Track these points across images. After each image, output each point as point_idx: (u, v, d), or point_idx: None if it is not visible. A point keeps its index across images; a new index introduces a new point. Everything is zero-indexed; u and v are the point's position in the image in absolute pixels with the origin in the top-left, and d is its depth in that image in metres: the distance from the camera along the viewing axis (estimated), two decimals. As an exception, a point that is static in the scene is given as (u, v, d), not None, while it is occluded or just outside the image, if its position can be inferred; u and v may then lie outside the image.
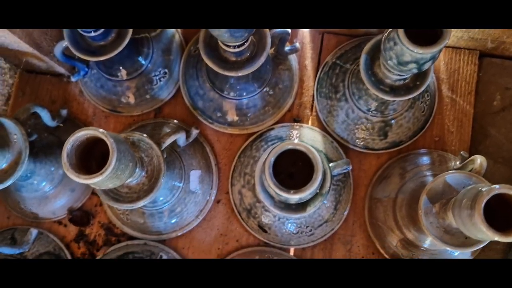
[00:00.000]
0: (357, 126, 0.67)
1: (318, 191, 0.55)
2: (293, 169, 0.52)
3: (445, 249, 0.63)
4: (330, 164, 0.56)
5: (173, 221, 0.68)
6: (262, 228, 0.67)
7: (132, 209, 0.67)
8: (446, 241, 0.53)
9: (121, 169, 0.47)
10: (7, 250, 0.63)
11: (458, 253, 0.64)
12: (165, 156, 0.58)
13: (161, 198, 0.65)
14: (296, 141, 0.60)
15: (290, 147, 0.45)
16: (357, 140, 0.68)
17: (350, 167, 0.57)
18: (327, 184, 0.55)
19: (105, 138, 0.45)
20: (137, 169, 0.56)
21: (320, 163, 0.44)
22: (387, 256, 0.66)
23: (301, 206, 0.56)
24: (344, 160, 0.57)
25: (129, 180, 0.56)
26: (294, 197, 0.44)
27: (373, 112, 0.65)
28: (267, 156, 0.45)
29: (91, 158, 0.49)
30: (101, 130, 0.46)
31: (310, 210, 0.55)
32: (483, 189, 0.44)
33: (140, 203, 0.57)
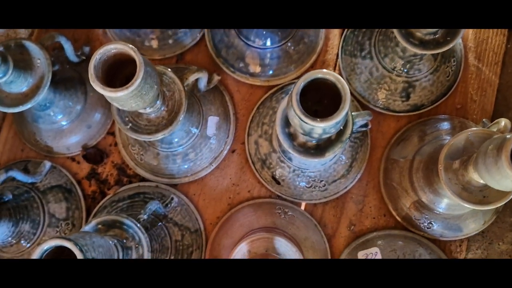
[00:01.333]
0: (380, 86, 0.67)
1: (338, 137, 0.54)
2: (318, 107, 0.51)
3: (458, 214, 0.62)
4: (353, 113, 0.55)
5: (186, 166, 0.67)
6: (275, 179, 0.66)
7: (147, 150, 0.66)
8: (464, 197, 0.52)
9: (146, 89, 0.47)
10: (20, 176, 0.62)
11: (469, 221, 0.63)
12: (187, 92, 0.57)
13: (176, 140, 0.65)
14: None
15: (319, 75, 0.44)
16: (378, 101, 0.67)
17: (371, 118, 0.57)
18: (348, 131, 0.54)
19: (133, 53, 0.44)
20: (158, 101, 0.55)
21: (348, 93, 0.44)
22: (398, 218, 0.65)
23: (319, 151, 0.55)
24: (367, 111, 0.56)
25: (149, 111, 0.56)
26: (319, 126, 0.43)
27: (398, 71, 0.64)
28: (295, 84, 0.45)
29: (116, 79, 0.49)
30: (130, 45, 0.45)
31: (329, 156, 0.54)
32: (510, 136, 0.44)
33: (158, 135, 0.56)
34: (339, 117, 0.43)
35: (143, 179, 0.69)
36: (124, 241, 0.54)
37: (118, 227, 0.55)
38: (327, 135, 0.48)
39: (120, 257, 0.51)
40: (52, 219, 0.66)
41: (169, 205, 0.65)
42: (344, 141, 0.54)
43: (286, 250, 0.55)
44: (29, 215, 0.64)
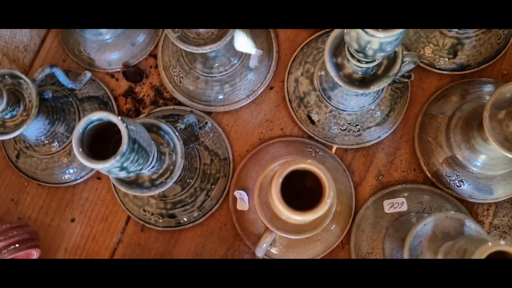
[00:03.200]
0: (428, 40, 0.66)
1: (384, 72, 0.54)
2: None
3: (491, 174, 0.62)
4: (403, 52, 0.55)
5: (222, 95, 0.68)
6: (310, 119, 0.66)
7: (187, 73, 0.67)
8: (506, 147, 0.52)
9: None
10: (62, 77, 0.62)
11: (501, 184, 0.63)
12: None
13: (217, 64, 0.65)
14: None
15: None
16: (424, 56, 0.67)
17: (418, 62, 0.56)
18: (396, 67, 0.54)
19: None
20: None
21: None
22: (428, 174, 0.65)
23: (364, 84, 0.55)
24: (416, 53, 0.56)
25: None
26: (378, 36, 0.43)
27: (450, 25, 0.64)
28: None
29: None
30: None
31: (373, 88, 0.54)
32: None
33: (206, 49, 0.56)
34: (399, 31, 0.43)
35: (179, 103, 0.70)
36: (160, 146, 0.55)
37: (155, 132, 0.55)
38: (381, 54, 0.47)
39: (155, 157, 0.51)
40: (86, 127, 0.66)
41: (202, 128, 0.66)
42: (390, 76, 0.54)
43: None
44: (65, 118, 0.65)
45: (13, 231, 0.48)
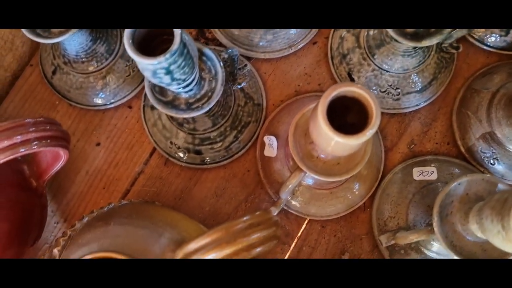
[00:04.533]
0: (482, 14, 0.65)
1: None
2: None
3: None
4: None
5: (264, 42, 0.67)
6: (350, 76, 0.65)
7: (233, 13, 0.66)
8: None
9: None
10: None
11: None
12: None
13: (267, 9, 0.64)
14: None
15: None
16: (475, 30, 0.66)
17: (470, 32, 0.55)
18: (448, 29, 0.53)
19: None
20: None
21: None
22: (462, 149, 0.63)
23: (416, 38, 0.54)
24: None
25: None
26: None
27: None
28: None
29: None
30: None
31: (425, 43, 0.53)
32: None
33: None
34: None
35: (220, 45, 0.69)
36: (201, 72, 0.54)
37: (198, 57, 0.54)
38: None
39: (196, 79, 0.51)
40: (125, 53, 0.66)
41: (241, 70, 0.65)
42: (443, 34, 0.53)
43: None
44: (107, 39, 0.64)
45: (46, 125, 0.48)
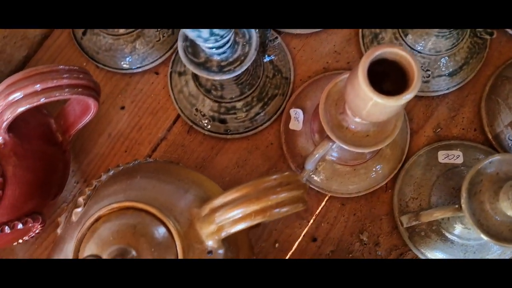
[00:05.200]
0: (518, 2, 0.64)
1: None
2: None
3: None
4: None
5: (297, 18, 0.67)
6: (381, 56, 0.65)
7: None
8: None
9: None
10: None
11: None
12: None
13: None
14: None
15: None
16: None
17: None
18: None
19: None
20: None
21: None
22: (489, 135, 0.63)
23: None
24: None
25: None
26: None
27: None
28: None
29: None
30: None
31: (464, 21, 0.52)
32: None
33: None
34: None
35: (251, 17, 0.69)
36: (236, 36, 0.54)
37: (233, 20, 0.54)
38: None
39: (230, 41, 0.50)
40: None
41: (272, 42, 0.65)
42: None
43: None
44: (140, 1, 0.64)
45: (80, 74, 0.48)
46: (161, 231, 0.43)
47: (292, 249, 0.63)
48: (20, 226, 0.52)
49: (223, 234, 0.43)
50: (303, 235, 0.63)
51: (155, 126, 0.67)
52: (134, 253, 0.41)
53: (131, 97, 0.68)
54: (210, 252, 0.44)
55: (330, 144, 0.54)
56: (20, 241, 0.58)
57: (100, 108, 0.67)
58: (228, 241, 0.47)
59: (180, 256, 0.42)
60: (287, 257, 0.63)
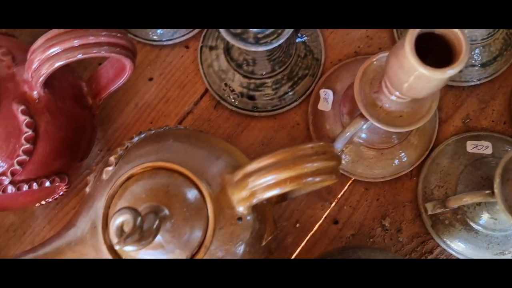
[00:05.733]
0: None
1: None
2: None
3: None
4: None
5: (331, 0, 0.66)
6: (414, 43, 0.64)
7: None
8: None
9: None
10: None
11: None
12: None
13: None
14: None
15: None
16: (546, 13, 0.64)
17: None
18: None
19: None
20: None
21: None
22: (518, 130, 0.62)
23: None
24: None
25: None
26: None
27: None
28: None
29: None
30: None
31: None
32: None
33: None
34: None
35: None
36: (272, 8, 0.54)
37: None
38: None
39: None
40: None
41: (305, 21, 0.64)
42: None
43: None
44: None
45: (118, 33, 0.48)
46: (193, 193, 0.43)
47: (312, 230, 0.63)
48: (47, 183, 0.52)
49: (255, 200, 0.43)
50: (325, 217, 0.63)
51: (182, 100, 0.67)
52: (166, 211, 0.41)
53: (160, 69, 0.68)
54: (239, 218, 0.44)
55: (362, 122, 0.54)
56: (43, 202, 0.58)
57: (129, 78, 0.67)
58: (257, 210, 0.46)
59: (211, 220, 0.42)
60: (307, 238, 0.63)
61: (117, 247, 0.36)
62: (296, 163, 0.41)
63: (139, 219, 0.36)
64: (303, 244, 0.63)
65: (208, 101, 0.67)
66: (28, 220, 0.65)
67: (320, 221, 0.63)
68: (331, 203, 0.63)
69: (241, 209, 0.44)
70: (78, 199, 0.65)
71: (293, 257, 0.62)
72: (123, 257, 0.42)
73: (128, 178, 0.44)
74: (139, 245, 0.38)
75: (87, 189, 0.49)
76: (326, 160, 0.42)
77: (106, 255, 0.42)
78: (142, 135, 0.50)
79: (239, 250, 0.45)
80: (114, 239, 0.36)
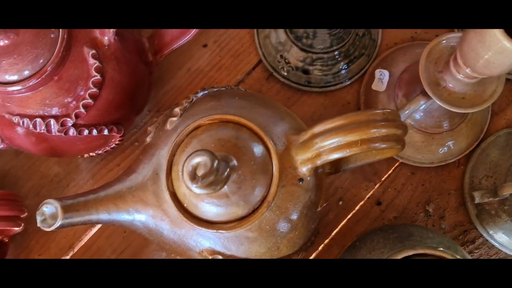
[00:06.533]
0: None
1: None
2: None
3: None
4: None
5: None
6: (473, 32, 0.64)
7: None
8: None
9: None
10: None
11: None
12: None
13: None
14: None
15: None
16: None
17: None
18: None
19: None
20: None
21: None
22: None
23: None
24: None
25: None
26: None
27: None
28: None
29: None
30: None
31: None
32: None
33: None
34: None
35: (345, -23, 0.69)
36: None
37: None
38: None
39: None
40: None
41: (367, 0, 0.64)
42: None
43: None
44: None
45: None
46: (260, 148, 0.43)
47: (355, 209, 0.63)
48: (105, 131, 0.52)
49: (319, 161, 0.43)
50: (368, 197, 0.63)
51: (235, 69, 0.67)
52: (235, 162, 0.41)
53: (215, 37, 0.68)
54: (301, 179, 0.44)
55: (422, 102, 0.54)
56: (93, 154, 0.59)
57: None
58: (316, 176, 0.46)
59: (276, 176, 0.42)
60: (349, 216, 0.63)
61: (192, 186, 0.36)
62: (366, 126, 0.41)
63: (215, 161, 0.37)
64: (344, 221, 0.63)
65: (260, 72, 0.67)
66: (72, 173, 0.65)
67: (363, 201, 0.63)
68: (375, 184, 0.63)
69: (303, 169, 0.44)
70: (123, 156, 0.65)
71: (333, 233, 0.62)
72: (184, 205, 0.43)
73: (196, 128, 0.44)
74: (210, 189, 0.38)
75: (148, 139, 0.49)
76: (395, 128, 0.42)
77: (168, 201, 0.43)
78: (206, 91, 0.50)
79: (297, 211, 0.45)
80: (187, 180, 0.37)
